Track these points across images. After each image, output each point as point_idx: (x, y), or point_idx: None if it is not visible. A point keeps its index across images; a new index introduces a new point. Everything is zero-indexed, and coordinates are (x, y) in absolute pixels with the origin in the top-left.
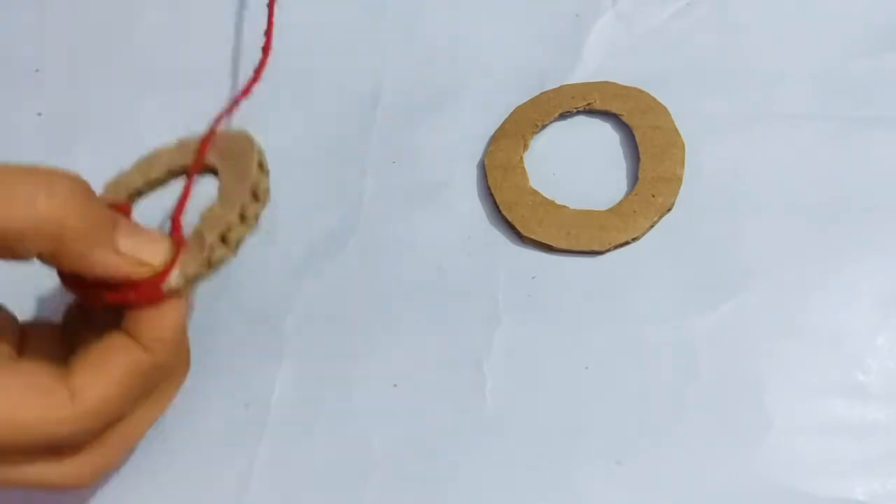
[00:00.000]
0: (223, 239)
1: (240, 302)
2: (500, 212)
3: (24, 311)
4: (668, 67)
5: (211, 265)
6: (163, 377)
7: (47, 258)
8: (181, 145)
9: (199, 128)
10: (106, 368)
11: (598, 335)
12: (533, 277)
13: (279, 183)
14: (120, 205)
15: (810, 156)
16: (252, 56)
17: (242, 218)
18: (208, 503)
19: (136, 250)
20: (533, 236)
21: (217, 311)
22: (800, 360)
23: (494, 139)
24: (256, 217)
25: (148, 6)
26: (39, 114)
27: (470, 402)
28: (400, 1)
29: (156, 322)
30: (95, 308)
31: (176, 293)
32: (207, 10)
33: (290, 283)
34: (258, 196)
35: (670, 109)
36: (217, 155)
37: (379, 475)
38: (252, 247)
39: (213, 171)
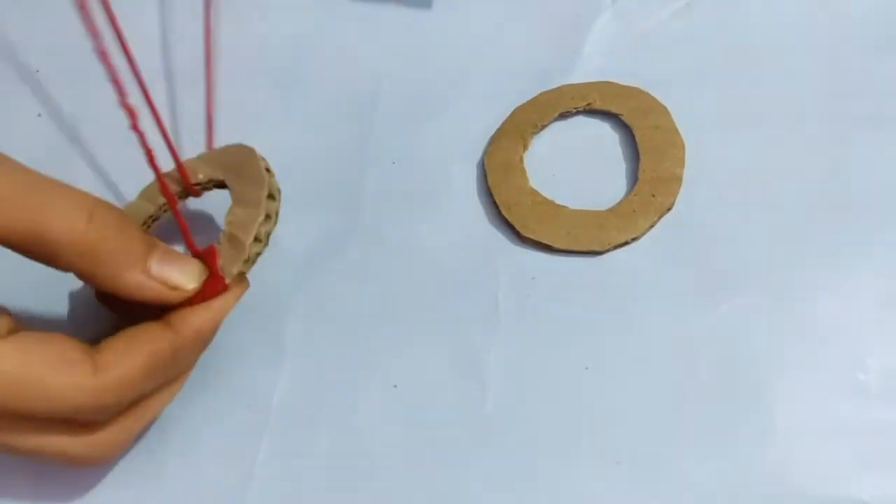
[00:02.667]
0: (257, 237)
1: (241, 302)
2: (499, 212)
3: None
4: (668, 67)
5: (251, 262)
6: (186, 365)
7: (83, 276)
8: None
9: (197, 128)
10: (133, 348)
11: (598, 335)
12: (533, 278)
13: (280, 184)
14: None
15: (811, 155)
16: (250, 57)
17: (267, 216)
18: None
19: (168, 274)
20: (533, 236)
21: None
22: (800, 360)
23: (494, 139)
24: (277, 214)
25: (147, 6)
26: (39, 114)
27: (470, 403)
28: (400, 2)
29: (200, 312)
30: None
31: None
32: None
33: (290, 283)
34: (274, 196)
35: (670, 109)
36: (220, 169)
37: (380, 475)
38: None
39: (220, 185)
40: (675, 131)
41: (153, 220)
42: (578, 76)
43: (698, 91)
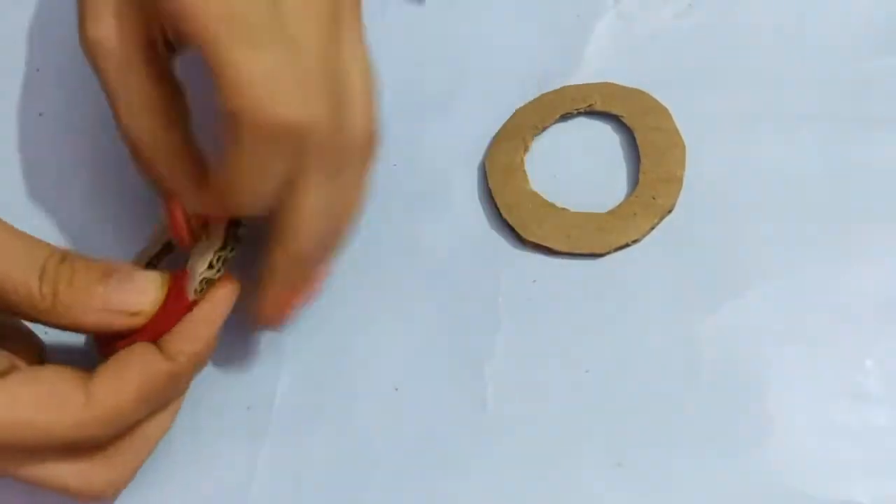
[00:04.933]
0: (210, 264)
1: (241, 304)
2: (500, 214)
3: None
4: (670, 68)
5: (202, 288)
6: (182, 389)
7: (48, 325)
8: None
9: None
10: (124, 376)
11: (599, 338)
12: (533, 280)
13: None
14: None
15: (812, 157)
16: None
17: (224, 245)
18: None
19: (126, 302)
20: (533, 239)
21: None
22: (801, 363)
23: (495, 141)
24: (238, 238)
25: None
26: (40, 114)
27: (471, 406)
28: (400, 2)
29: (185, 334)
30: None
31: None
32: None
33: None
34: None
35: (671, 111)
36: None
37: (380, 478)
38: (254, 249)
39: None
40: (676, 133)
41: (167, 254)
42: (580, 77)
43: (699, 92)
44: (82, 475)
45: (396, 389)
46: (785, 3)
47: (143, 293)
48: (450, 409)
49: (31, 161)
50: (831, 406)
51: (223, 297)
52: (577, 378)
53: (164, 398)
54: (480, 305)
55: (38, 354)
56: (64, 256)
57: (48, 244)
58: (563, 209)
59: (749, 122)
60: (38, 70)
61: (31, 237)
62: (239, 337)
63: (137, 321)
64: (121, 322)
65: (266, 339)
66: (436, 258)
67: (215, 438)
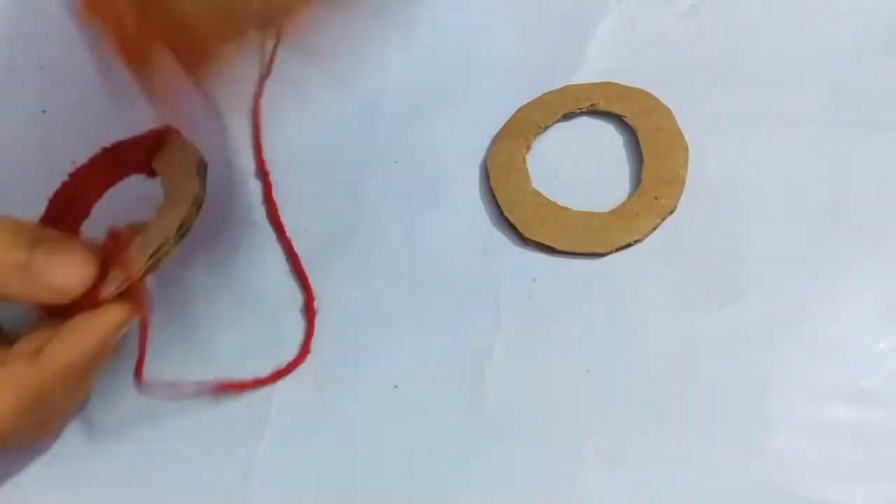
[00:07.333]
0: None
1: (241, 301)
2: (501, 213)
3: None
4: (673, 69)
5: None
6: (59, 397)
7: None
8: None
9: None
10: None
11: (600, 338)
12: (534, 279)
13: (282, 184)
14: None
15: (814, 159)
16: (255, 54)
17: (163, 244)
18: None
19: (51, 278)
20: (535, 238)
21: (218, 311)
22: (802, 364)
23: (497, 140)
24: (177, 241)
25: None
26: (43, 111)
27: (471, 404)
28: (403, 1)
29: (66, 346)
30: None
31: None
32: None
33: (290, 283)
34: (183, 224)
35: (674, 111)
36: (164, 161)
37: (379, 477)
38: (254, 246)
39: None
40: (679, 133)
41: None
42: (582, 77)
43: (702, 93)
44: None
45: (396, 387)
46: (787, 4)
47: (71, 274)
48: (450, 408)
49: (34, 157)
50: (831, 407)
51: (113, 320)
52: (577, 377)
53: (47, 407)
54: (481, 304)
55: None
56: None
57: None
58: (565, 208)
59: (751, 122)
60: (41, 67)
61: None
62: (238, 333)
63: (66, 299)
64: (50, 297)
65: (266, 336)
66: (437, 256)
67: (214, 436)
